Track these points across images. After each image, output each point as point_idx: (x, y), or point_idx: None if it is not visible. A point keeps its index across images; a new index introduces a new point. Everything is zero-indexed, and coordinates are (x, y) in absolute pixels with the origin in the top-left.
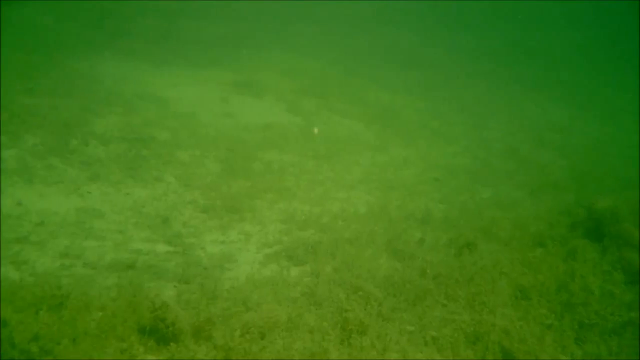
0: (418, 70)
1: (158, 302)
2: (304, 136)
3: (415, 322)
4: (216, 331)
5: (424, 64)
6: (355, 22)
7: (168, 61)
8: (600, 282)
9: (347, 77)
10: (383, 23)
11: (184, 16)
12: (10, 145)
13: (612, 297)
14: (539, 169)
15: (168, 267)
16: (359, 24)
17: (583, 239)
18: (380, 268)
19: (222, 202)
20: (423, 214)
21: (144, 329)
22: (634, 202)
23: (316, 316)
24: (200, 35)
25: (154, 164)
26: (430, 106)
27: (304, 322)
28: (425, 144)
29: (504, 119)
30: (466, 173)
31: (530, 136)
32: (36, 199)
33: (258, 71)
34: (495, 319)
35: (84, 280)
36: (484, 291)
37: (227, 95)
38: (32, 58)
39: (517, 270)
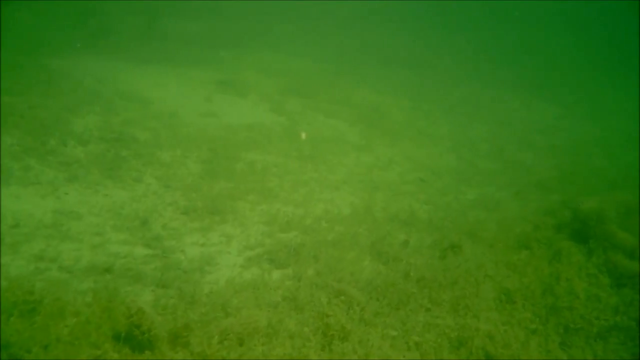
0: (405, 70)
1: (134, 307)
2: (288, 136)
3: (399, 326)
4: (194, 338)
5: (411, 63)
6: (343, 21)
7: (151, 60)
8: (585, 285)
9: (333, 76)
10: (370, 22)
11: (167, 15)
12: None
13: (598, 300)
14: (525, 169)
15: (146, 270)
16: (346, 23)
17: (568, 240)
18: (364, 271)
19: (203, 204)
20: (407, 215)
21: (119, 336)
22: (620, 203)
23: (297, 321)
24: (184, 34)
25: (134, 164)
26: (416, 106)
27: (284, 328)
28: (411, 144)
29: (490, 119)
30: (451, 173)
31: (516, 136)
32: (12, 201)
33: (242, 70)
34: (480, 324)
35: (59, 284)
36: (468, 295)
37: (211, 95)
38: (11, 56)
39: (501, 273)
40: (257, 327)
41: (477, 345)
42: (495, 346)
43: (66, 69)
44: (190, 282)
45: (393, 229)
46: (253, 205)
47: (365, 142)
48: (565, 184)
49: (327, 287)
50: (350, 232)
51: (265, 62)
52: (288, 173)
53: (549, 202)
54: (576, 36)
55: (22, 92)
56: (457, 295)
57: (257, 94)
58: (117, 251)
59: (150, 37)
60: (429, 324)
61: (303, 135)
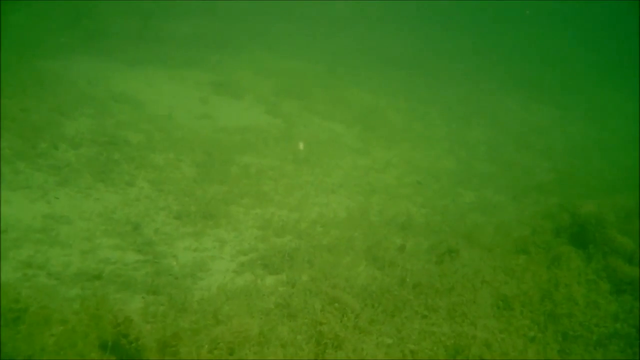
0: (402, 71)
1: (121, 316)
2: (284, 139)
3: (394, 334)
4: (183, 347)
5: (408, 64)
6: (339, 22)
7: (144, 61)
8: (585, 292)
9: (330, 78)
10: (367, 23)
11: (161, 15)
12: None
13: (597, 307)
14: (523, 172)
15: (136, 277)
16: (342, 23)
17: (567, 245)
18: (359, 277)
19: (196, 208)
20: (404, 219)
21: (106, 345)
22: (619, 207)
23: (290, 329)
24: (179, 34)
25: (126, 168)
26: (413, 107)
27: (276, 336)
28: (408, 146)
29: (488, 121)
30: (449, 176)
31: (514, 138)
32: (0, 205)
33: (238, 71)
34: (477, 331)
35: (46, 291)
36: (465, 301)
37: (206, 96)
38: (3, 58)
39: (499, 278)
40: (249, 336)
41: (474, 354)
42: (492, 355)
43: (59, 70)
44: (181, 288)
45: (389, 233)
46: (247, 209)
47: (362, 144)
48: (564, 187)
49: (321, 294)
50: (345, 237)
51: (260, 63)
52: (283, 176)
53: (547, 205)
54: (575, 37)
55: (14, 95)
56: (453, 301)
57: (252, 96)
58: (108, 257)
59: (145, 38)
60: (424, 332)
61: (301, 146)
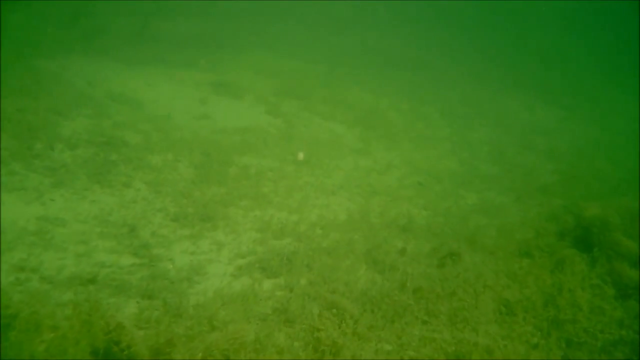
0: (403, 71)
1: (113, 322)
2: (284, 139)
3: (393, 340)
4: (176, 354)
5: (409, 64)
6: (340, 21)
7: (143, 61)
8: (589, 297)
9: (330, 78)
10: (368, 22)
11: (160, 15)
12: None
13: (602, 313)
14: (526, 173)
15: (132, 281)
16: (344, 23)
17: (571, 248)
18: (359, 281)
19: (194, 210)
20: (405, 221)
21: (97, 352)
22: (624, 210)
23: (287, 335)
24: (178, 34)
25: (123, 169)
26: (415, 108)
27: (273, 342)
28: (410, 147)
29: (490, 121)
30: (451, 177)
31: (517, 139)
32: None
33: (237, 71)
34: (478, 338)
35: (38, 296)
36: (466, 306)
37: (205, 97)
38: (0, 57)
39: (502, 283)
40: (244, 342)
41: None
42: None
43: (57, 70)
44: (176, 293)
45: (390, 236)
46: (246, 211)
47: (363, 145)
48: (568, 189)
49: (320, 298)
50: (345, 239)
51: (260, 63)
52: (283, 177)
53: (551, 207)
54: (578, 37)
55: (9, 95)
56: (455, 307)
57: (252, 96)
58: (103, 260)
59: (143, 38)
60: (425, 338)
61: (300, 156)
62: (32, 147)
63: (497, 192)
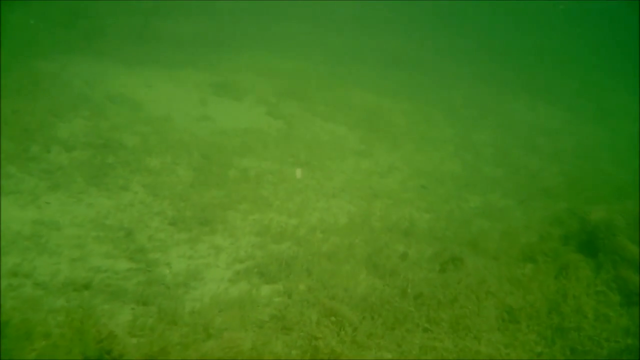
0: (406, 71)
1: (105, 331)
2: (285, 141)
3: (393, 349)
4: None
5: (412, 64)
6: (341, 21)
7: (143, 62)
8: (594, 304)
9: (331, 78)
10: (370, 22)
11: (160, 15)
12: None
13: (608, 321)
14: (530, 176)
15: (127, 286)
16: (345, 23)
17: (576, 253)
18: (359, 286)
19: (192, 213)
20: (407, 224)
21: None
22: (630, 213)
23: (284, 343)
24: (178, 34)
25: (121, 172)
26: (417, 109)
27: (269, 351)
28: (412, 149)
29: (494, 122)
30: (454, 179)
31: (521, 140)
32: None
33: (238, 72)
34: (480, 346)
35: (31, 302)
36: (468, 313)
37: (205, 97)
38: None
39: (505, 289)
40: (240, 351)
41: None
42: None
43: (54, 71)
44: (172, 299)
45: (391, 240)
46: (245, 214)
47: (364, 146)
48: (572, 191)
49: (319, 305)
50: (346, 244)
51: (261, 64)
52: (283, 180)
53: (555, 210)
54: (582, 37)
55: (6, 96)
56: (456, 314)
57: (253, 97)
58: (98, 265)
59: (143, 38)
60: (426, 347)
61: (298, 174)
62: (28, 150)
63: (501, 195)
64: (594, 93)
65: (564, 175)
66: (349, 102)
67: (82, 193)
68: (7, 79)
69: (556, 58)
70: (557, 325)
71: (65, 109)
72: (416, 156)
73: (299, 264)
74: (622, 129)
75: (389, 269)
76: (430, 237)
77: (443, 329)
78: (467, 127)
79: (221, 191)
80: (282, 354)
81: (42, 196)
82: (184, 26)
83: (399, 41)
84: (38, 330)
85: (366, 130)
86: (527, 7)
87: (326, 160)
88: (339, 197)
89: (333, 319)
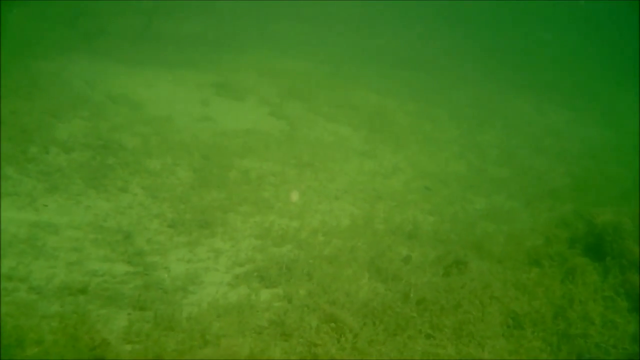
0: (410, 71)
1: (98, 338)
2: (287, 142)
3: (395, 356)
4: None
5: (416, 64)
6: (344, 21)
7: (144, 62)
8: (601, 310)
9: (334, 78)
10: (374, 22)
11: (161, 15)
12: None
13: (615, 327)
14: (536, 177)
15: (124, 290)
16: (348, 22)
17: (582, 257)
18: (360, 291)
19: (192, 216)
20: (411, 227)
21: None
22: (637, 215)
23: (283, 350)
24: (179, 34)
25: (120, 173)
26: (422, 109)
27: (268, 358)
28: (417, 150)
29: (499, 123)
30: (459, 181)
31: (527, 141)
32: None
33: (240, 72)
34: (484, 353)
35: (25, 307)
36: (472, 319)
37: (206, 98)
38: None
39: (509, 294)
40: (237, 358)
41: None
42: None
43: (55, 71)
44: (170, 303)
45: (394, 243)
46: (245, 217)
47: (368, 147)
48: (579, 193)
49: (319, 310)
50: (348, 247)
51: (264, 64)
52: (285, 182)
53: (562, 212)
54: (588, 37)
55: (4, 96)
56: (460, 319)
57: (255, 97)
58: (95, 269)
59: (144, 38)
60: (428, 353)
61: (294, 197)
62: (26, 151)
63: (506, 197)
64: (600, 93)
65: (570, 176)
66: (352, 102)
67: (81, 195)
68: (5, 79)
69: (562, 58)
70: (563, 331)
71: (65, 110)
72: (420, 157)
73: (300, 267)
74: (629, 129)
75: (392, 272)
76: (434, 239)
77: (446, 335)
78: (472, 127)
79: (222, 193)
80: None
81: (40, 198)
82: (184, 26)
83: (403, 41)
84: (30, 337)
85: (370, 131)
86: (533, 6)
87: (329, 161)
88: (341, 199)
89: (333, 325)
